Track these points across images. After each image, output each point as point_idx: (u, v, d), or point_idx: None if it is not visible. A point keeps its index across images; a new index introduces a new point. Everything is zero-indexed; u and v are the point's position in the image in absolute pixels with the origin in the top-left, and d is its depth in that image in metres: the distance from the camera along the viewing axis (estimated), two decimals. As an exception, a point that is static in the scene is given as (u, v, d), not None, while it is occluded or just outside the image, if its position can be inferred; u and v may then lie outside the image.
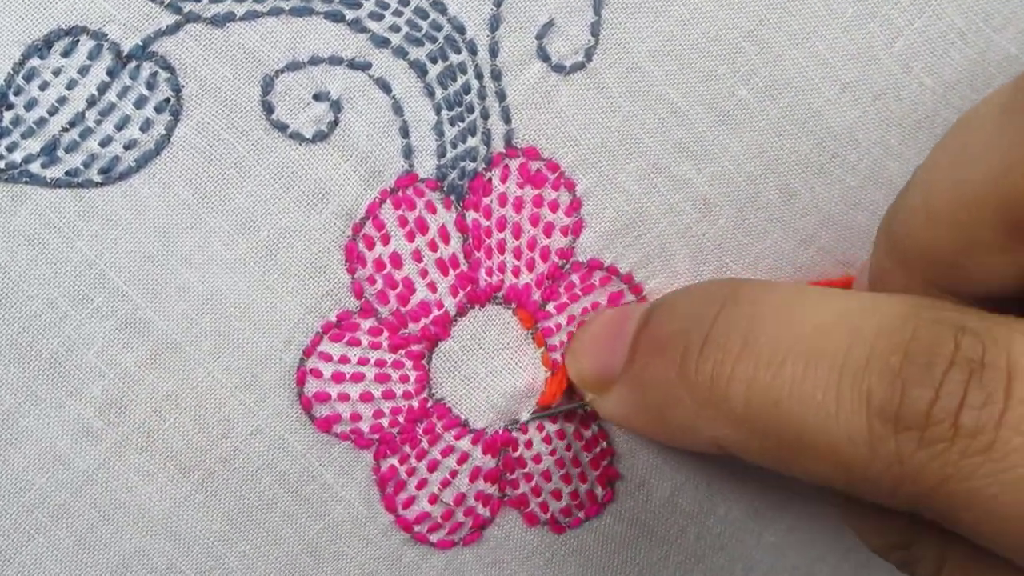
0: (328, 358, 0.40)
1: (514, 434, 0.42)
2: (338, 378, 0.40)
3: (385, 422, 0.41)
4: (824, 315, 0.34)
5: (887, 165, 0.43)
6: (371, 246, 0.40)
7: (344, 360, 0.40)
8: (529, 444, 0.43)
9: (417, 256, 0.40)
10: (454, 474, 0.42)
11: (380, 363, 0.40)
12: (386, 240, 0.40)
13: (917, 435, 0.31)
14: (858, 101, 0.42)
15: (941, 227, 0.34)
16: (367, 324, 0.40)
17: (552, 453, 0.43)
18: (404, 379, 0.41)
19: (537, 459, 0.43)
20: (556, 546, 0.44)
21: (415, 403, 0.41)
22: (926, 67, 0.42)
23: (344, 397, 0.40)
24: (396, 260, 0.40)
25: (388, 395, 0.41)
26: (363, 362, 0.40)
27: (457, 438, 0.41)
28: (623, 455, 0.44)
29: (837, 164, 0.43)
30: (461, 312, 0.41)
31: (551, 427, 0.43)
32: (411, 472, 0.41)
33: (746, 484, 0.46)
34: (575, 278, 0.42)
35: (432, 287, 0.40)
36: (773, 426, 0.34)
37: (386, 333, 0.40)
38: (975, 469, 0.31)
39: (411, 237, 0.40)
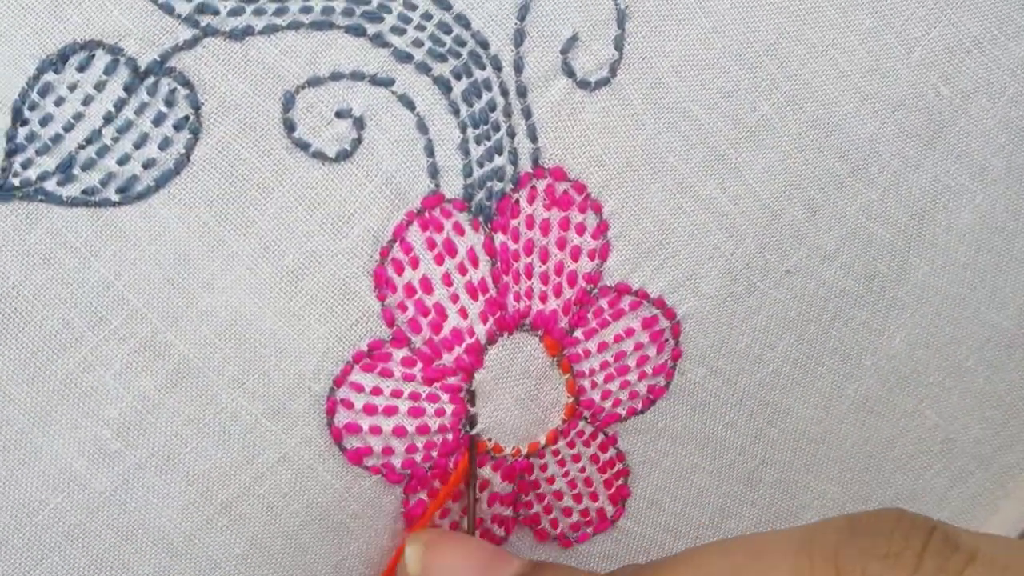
0: (360, 388, 0.38)
1: (531, 460, 0.41)
2: (370, 410, 0.38)
3: (418, 457, 0.39)
4: None
5: (906, 177, 0.43)
6: (400, 271, 0.38)
7: (377, 392, 0.38)
8: (544, 468, 0.42)
9: (447, 280, 0.38)
10: (475, 502, 0.40)
11: (414, 396, 0.39)
12: (415, 264, 0.38)
13: None
14: (877, 113, 0.42)
15: None
16: (400, 354, 0.38)
17: (565, 475, 0.42)
18: (440, 413, 0.39)
19: (551, 480, 0.42)
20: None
21: (449, 436, 0.39)
22: (942, 76, 0.42)
23: (376, 430, 0.38)
24: (426, 285, 0.38)
25: (422, 430, 0.39)
26: (396, 395, 0.38)
27: (480, 466, 0.40)
28: (638, 475, 0.43)
29: (858, 177, 0.42)
30: (491, 340, 0.39)
31: (567, 451, 0.42)
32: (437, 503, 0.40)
33: (759, 496, 0.45)
34: (603, 303, 0.41)
35: (463, 313, 0.39)
36: None
37: (420, 365, 0.38)
38: None
39: (440, 260, 0.38)
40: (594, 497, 0.43)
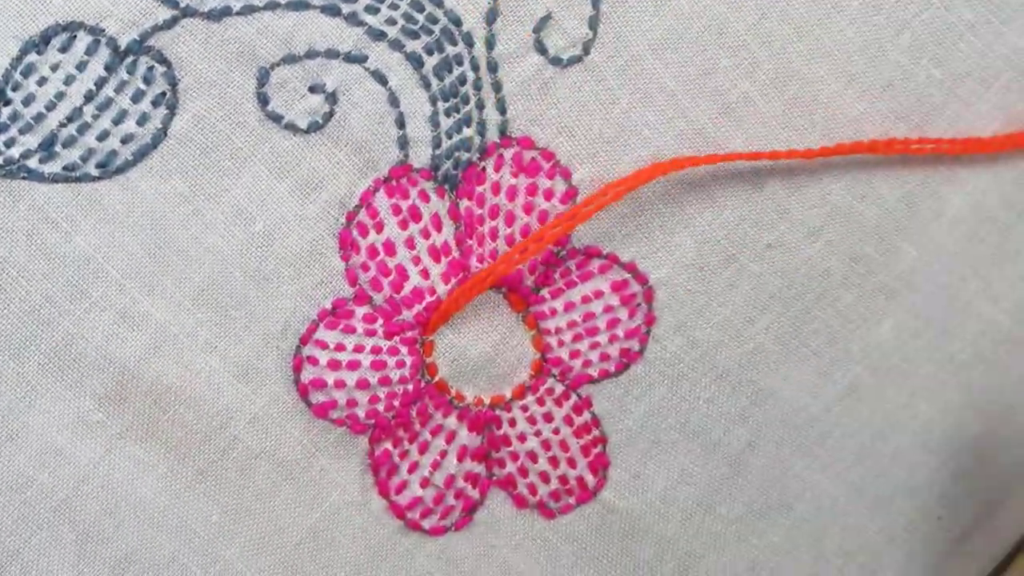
0: (324, 345, 0.41)
1: (497, 412, 0.43)
2: (334, 365, 0.41)
3: (381, 407, 0.42)
4: None
5: (895, 158, 0.42)
6: (365, 233, 0.40)
7: (340, 347, 0.41)
8: (513, 423, 0.43)
9: (410, 243, 0.41)
10: (443, 454, 0.42)
11: (376, 350, 0.41)
12: (380, 228, 0.40)
13: None
14: (865, 93, 0.41)
15: None
16: (362, 311, 0.41)
17: (537, 434, 0.43)
18: (400, 364, 0.41)
19: (522, 438, 0.43)
20: (548, 533, 0.44)
21: (410, 387, 0.42)
22: (934, 59, 0.41)
23: (340, 384, 0.41)
24: (389, 247, 0.40)
25: (384, 381, 0.41)
26: (359, 349, 0.41)
27: (444, 416, 0.42)
28: (617, 444, 0.44)
29: (844, 156, 0.42)
30: None
31: (537, 408, 0.43)
32: (403, 455, 0.42)
33: (748, 482, 0.46)
34: (571, 264, 0.42)
35: (425, 274, 0.41)
36: None
37: (381, 320, 0.41)
38: None
39: (404, 225, 0.40)
40: (572, 463, 0.44)
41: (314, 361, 0.41)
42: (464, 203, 0.41)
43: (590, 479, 0.44)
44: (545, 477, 0.44)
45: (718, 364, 0.44)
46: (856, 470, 0.46)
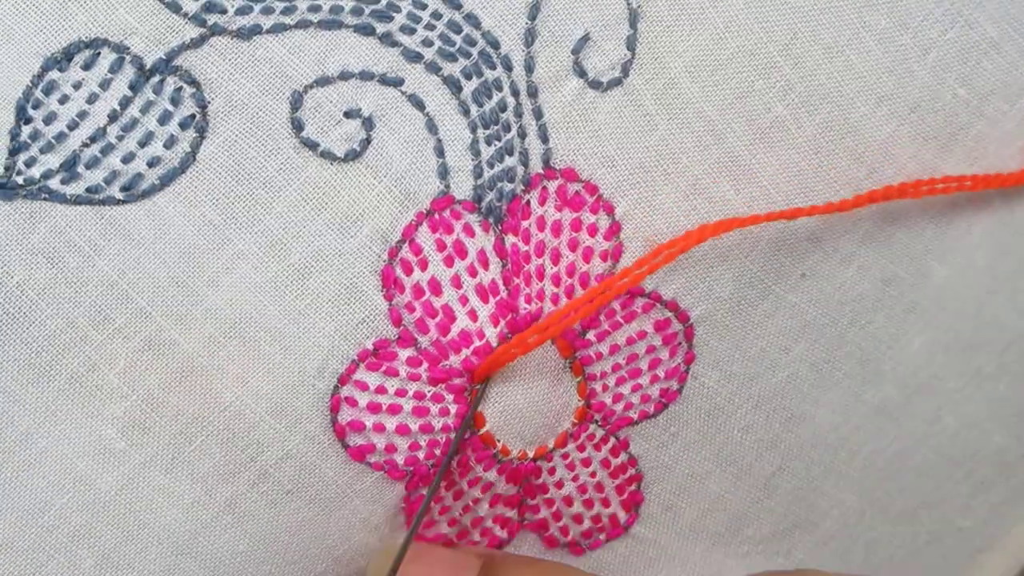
0: (364, 387, 0.38)
1: (538, 463, 0.41)
2: (374, 408, 0.38)
3: (421, 455, 0.39)
4: None
5: (923, 179, 0.42)
6: (409, 271, 0.38)
7: (381, 391, 0.38)
8: (552, 471, 0.41)
9: (456, 282, 0.38)
10: (476, 501, 0.40)
11: (419, 395, 0.38)
12: (424, 265, 0.38)
13: None
14: (893, 114, 0.41)
15: None
16: (405, 354, 0.38)
17: (575, 479, 0.41)
18: (444, 412, 0.38)
19: (559, 485, 0.41)
20: (577, 566, 0.42)
21: (453, 436, 0.39)
22: (959, 78, 0.41)
23: (380, 428, 0.38)
24: (435, 286, 0.38)
25: (426, 428, 0.38)
26: (401, 394, 0.38)
27: (485, 470, 0.40)
28: (652, 480, 0.42)
29: (874, 180, 0.42)
30: (502, 342, 0.39)
31: (576, 455, 0.41)
32: (437, 500, 0.40)
33: (777, 504, 0.44)
34: (616, 305, 0.40)
35: (473, 315, 0.38)
36: None
37: (426, 365, 0.38)
38: None
39: (450, 262, 0.38)
40: (606, 503, 0.42)
41: (353, 402, 0.38)
42: (510, 239, 0.39)
43: (622, 516, 0.42)
44: (579, 519, 0.42)
45: (753, 394, 0.43)
46: (883, 486, 0.45)
